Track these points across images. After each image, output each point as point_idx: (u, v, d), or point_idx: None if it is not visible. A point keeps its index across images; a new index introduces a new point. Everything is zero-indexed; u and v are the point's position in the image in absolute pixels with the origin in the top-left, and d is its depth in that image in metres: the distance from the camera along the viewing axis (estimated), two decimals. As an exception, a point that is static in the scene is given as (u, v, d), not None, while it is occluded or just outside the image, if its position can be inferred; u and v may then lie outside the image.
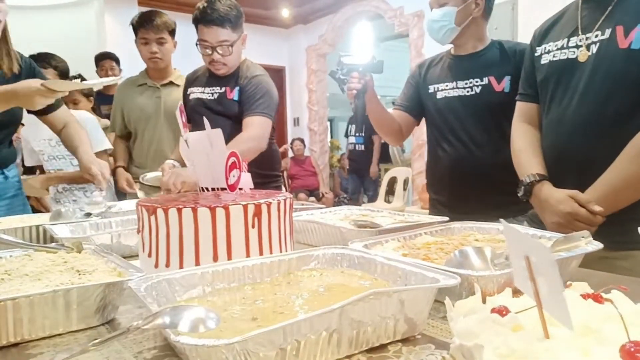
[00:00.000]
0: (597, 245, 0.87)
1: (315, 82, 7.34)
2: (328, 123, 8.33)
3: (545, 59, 1.35)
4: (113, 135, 2.67)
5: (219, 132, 1.16)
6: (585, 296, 0.50)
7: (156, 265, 0.95)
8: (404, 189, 6.77)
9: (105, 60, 4.02)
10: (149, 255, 0.97)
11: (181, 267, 0.92)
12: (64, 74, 2.50)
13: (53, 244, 1.06)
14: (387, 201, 7.27)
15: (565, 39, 1.30)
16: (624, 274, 1.03)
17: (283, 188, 2.31)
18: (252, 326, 0.61)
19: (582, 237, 0.87)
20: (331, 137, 11.52)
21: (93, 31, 5.45)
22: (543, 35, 1.41)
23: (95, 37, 5.40)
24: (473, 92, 1.66)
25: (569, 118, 1.27)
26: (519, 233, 0.46)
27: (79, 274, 0.82)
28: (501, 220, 0.52)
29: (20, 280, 0.79)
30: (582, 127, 1.24)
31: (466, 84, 1.69)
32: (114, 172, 2.52)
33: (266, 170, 2.15)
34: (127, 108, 2.52)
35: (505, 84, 1.63)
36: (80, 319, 0.73)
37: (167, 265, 0.93)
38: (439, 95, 1.75)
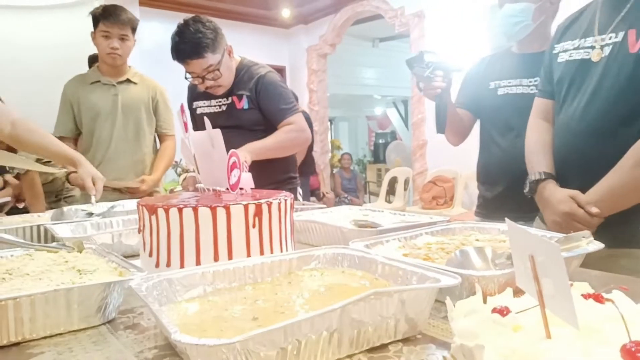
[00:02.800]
0: (598, 245, 0.87)
1: (316, 82, 7.34)
2: (329, 123, 8.33)
3: (562, 58, 1.36)
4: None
5: (218, 132, 1.16)
6: (586, 296, 0.49)
7: (157, 265, 0.95)
8: (405, 189, 6.78)
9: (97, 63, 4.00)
10: (150, 254, 0.97)
11: (182, 266, 0.92)
12: None
13: (54, 244, 1.06)
14: (388, 201, 7.28)
15: (582, 39, 1.30)
16: (624, 272, 1.03)
17: (299, 190, 2.24)
18: (252, 326, 0.61)
19: (583, 237, 0.87)
20: (332, 137, 11.54)
21: (94, 31, 5.45)
22: (562, 32, 1.41)
23: (96, 37, 5.40)
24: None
25: (576, 119, 1.28)
26: (525, 232, 0.46)
27: (80, 274, 0.82)
28: (506, 219, 0.52)
29: (21, 280, 0.79)
30: (588, 129, 1.25)
31: (530, 82, 1.67)
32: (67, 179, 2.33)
33: (281, 174, 2.10)
34: (77, 106, 2.34)
35: None
36: (81, 319, 0.73)
37: (168, 264, 0.94)
38: (500, 91, 1.73)
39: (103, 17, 2.24)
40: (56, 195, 2.79)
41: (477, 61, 1.90)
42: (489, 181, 1.81)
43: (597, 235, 0.91)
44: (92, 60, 4.04)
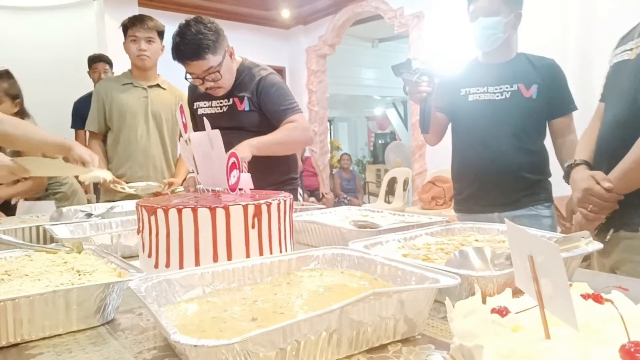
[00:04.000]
0: (597, 246, 0.87)
1: (315, 83, 7.33)
2: (328, 124, 8.33)
3: (611, 63, 1.50)
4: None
5: (217, 133, 1.16)
6: (585, 296, 0.50)
7: (156, 266, 0.95)
8: (404, 190, 6.77)
9: (98, 63, 4.00)
10: (149, 255, 0.97)
11: (181, 267, 0.92)
12: (13, 97, 2.44)
13: (53, 245, 1.06)
14: (387, 201, 7.28)
15: (626, 44, 1.44)
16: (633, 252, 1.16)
17: (300, 190, 2.23)
18: (252, 326, 0.61)
19: (582, 237, 0.87)
20: (331, 137, 11.55)
21: (93, 32, 5.45)
22: (616, 45, 1.53)
23: (95, 38, 5.41)
24: (503, 97, 1.82)
25: (611, 113, 1.41)
26: (524, 232, 0.46)
27: (79, 275, 0.82)
28: (505, 219, 0.52)
29: (20, 281, 0.79)
30: (616, 121, 1.37)
31: (496, 89, 1.84)
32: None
33: (281, 175, 2.09)
34: (109, 105, 2.46)
35: (534, 91, 1.80)
36: (80, 320, 0.73)
37: (167, 265, 0.94)
38: (470, 97, 1.89)
39: (131, 23, 2.42)
40: (46, 189, 2.77)
41: (451, 71, 2.05)
42: (461, 179, 1.97)
43: (614, 219, 1.22)
44: (92, 60, 4.05)
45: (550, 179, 1.90)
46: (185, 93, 2.54)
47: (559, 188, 1.95)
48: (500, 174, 1.81)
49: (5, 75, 2.53)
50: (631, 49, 1.39)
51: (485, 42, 1.83)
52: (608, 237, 1.35)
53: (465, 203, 1.95)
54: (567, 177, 1.50)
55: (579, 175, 1.41)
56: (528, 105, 1.80)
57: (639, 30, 1.39)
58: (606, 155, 1.39)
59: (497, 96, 1.83)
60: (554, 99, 1.81)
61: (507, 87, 1.82)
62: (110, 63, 4.08)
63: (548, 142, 1.89)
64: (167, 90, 2.56)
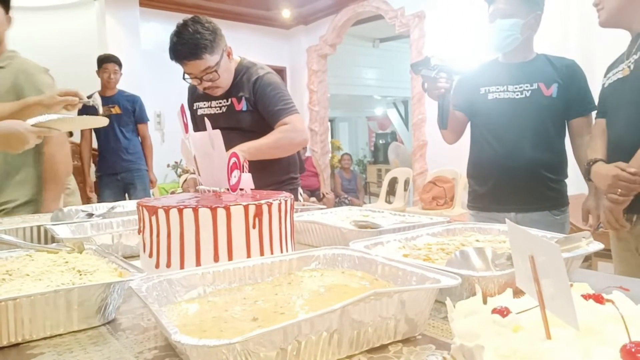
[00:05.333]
0: (598, 246, 0.87)
1: (316, 83, 7.33)
2: (329, 124, 8.33)
3: (606, 84, 1.65)
4: None
5: (218, 133, 1.16)
6: (586, 297, 0.49)
7: (157, 266, 0.95)
8: (405, 190, 6.77)
9: (108, 64, 4.03)
10: (150, 255, 0.97)
11: (182, 267, 0.92)
12: None
13: (54, 244, 1.06)
14: (388, 201, 7.28)
15: (618, 66, 1.60)
16: None
17: (300, 190, 2.21)
18: (252, 326, 0.61)
19: (583, 237, 0.87)
20: (332, 137, 11.54)
21: (94, 32, 5.46)
22: (608, 69, 1.67)
23: (96, 38, 5.41)
24: (523, 96, 1.86)
25: (618, 121, 1.57)
26: (525, 232, 0.46)
27: (80, 274, 0.82)
28: (506, 219, 0.52)
29: (21, 281, 0.79)
30: (629, 126, 1.51)
31: (516, 88, 1.87)
32: None
33: (282, 174, 2.08)
34: None
35: (554, 90, 1.84)
36: (81, 319, 0.73)
37: (168, 265, 0.94)
38: (490, 96, 1.91)
39: None
40: None
41: (469, 69, 2.09)
42: (479, 176, 1.99)
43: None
44: (102, 61, 4.07)
45: (566, 180, 1.91)
46: (34, 66, 2.03)
47: (573, 187, 1.98)
48: (518, 172, 1.83)
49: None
50: (622, 69, 1.55)
51: (501, 43, 1.84)
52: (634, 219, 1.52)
53: (482, 201, 1.96)
54: (587, 174, 1.59)
55: (603, 167, 1.54)
56: (548, 104, 1.82)
57: (626, 54, 1.57)
58: (625, 158, 1.50)
59: (517, 95, 1.86)
60: (574, 99, 1.83)
61: (527, 86, 1.84)
62: (119, 64, 4.10)
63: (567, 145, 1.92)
64: (5, 69, 1.90)
